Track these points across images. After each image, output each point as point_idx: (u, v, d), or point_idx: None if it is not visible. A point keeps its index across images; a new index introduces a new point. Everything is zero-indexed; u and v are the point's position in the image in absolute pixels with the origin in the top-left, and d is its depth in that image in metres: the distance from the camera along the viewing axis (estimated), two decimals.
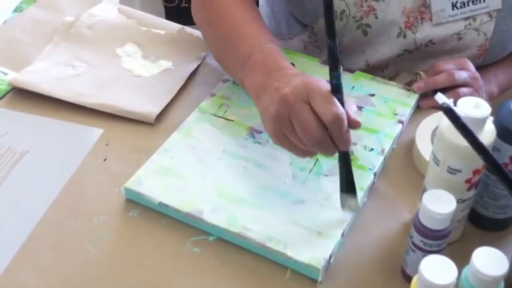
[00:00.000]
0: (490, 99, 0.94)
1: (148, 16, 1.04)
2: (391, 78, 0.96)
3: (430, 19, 0.89)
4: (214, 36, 0.87)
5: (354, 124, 0.66)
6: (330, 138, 0.66)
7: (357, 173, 0.76)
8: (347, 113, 0.65)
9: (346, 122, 0.64)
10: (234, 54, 0.80)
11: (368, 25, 0.90)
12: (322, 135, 0.65)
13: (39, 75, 0.90)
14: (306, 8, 0.93)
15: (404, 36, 0.90)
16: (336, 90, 0.65)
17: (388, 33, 0.91)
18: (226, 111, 0.84)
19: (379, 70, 0.96)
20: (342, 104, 0.65)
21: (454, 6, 0.88)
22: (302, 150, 0.69)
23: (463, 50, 0.92)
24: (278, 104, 0.67)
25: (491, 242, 0.57)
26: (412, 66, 0.95)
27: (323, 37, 0.92)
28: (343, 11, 0.89)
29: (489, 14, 0.89)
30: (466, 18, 0.89)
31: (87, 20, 1.00)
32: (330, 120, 0.64)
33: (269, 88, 0.70)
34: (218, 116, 0.84)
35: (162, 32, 0.99)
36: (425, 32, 0.90)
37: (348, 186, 0.71)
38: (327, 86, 0.66)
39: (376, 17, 0.89)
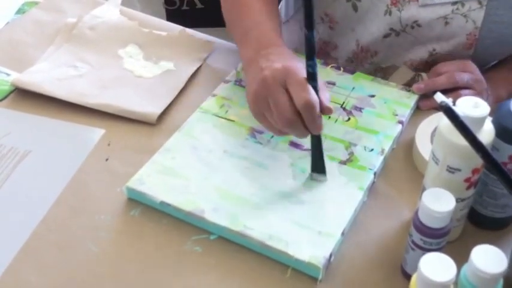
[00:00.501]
0: (498, 102, 0.93)
1: (150, 18, 1.05)
2: (388, 68, 0.96)
3: (417, 0, 0.89)
4: (228, 6, 0.94)
5: (325, 111, 0.71)
6: (302, 123, 0.70)
7: (357, 173, 0.77)
8: (320, 100, 0.70)
9: (317, 109, 0.69)
10: (239, 25, 0.87)
11: None
12: (294, 119, 0.70)
13: (41, 76, 0.91)
14: None
15: (390, 14, 0.90)
16: (311, 78, 0.70)
17: (376, 10, 0.91)
18: (227, 112, 0.85)
19: (368, 55, 0.96)
20: (316, 91, 0.70)
21: None
22: (277, 130, 0.73)
23: (451, 37, 0.91)
24: (258, 84, 0.72)
25: (491, 241, 0.57)
26: (401, 52, 0.95)
27: (315, 12, 0.94)
28: None
29: (479, 1, 0.88)
30: (454, 3, 0.88)
31: (89, 21, 1.01)
32: (302, 105, 0.68)
33: (255, 65, 0.75)
34: (219, 116, 0.84)
35: (164, 33, 1.00)
36: (411, 11, 0.89)
37: (318, 167, 0.76)
38: (304, 73, 0.71)
39: None
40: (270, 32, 0.82)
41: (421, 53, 0.93)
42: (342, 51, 0.99)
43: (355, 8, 0.92)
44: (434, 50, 0.92)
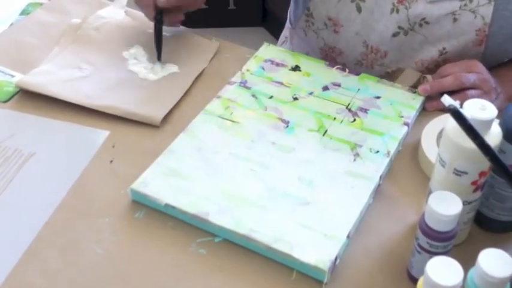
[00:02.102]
0: (511, 100, 0.92)
1: None
2: (394, 72, 0.96)
3: None
4: None
5: None
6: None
7: (362, 175, 0.76)
8: None
9: None
10: None
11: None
12: None
13: (45, 77, 0.90)
14: None
15: (397, 11, 0.90)
16: None
17: (382, 10, 0.91)
18: (232, 113, 0.85)
19: (378, 56, 0.96)
20: None
21: None
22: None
23: (460, 34, 0.90)
24: None
25: (497, 244, 0.57)
26: (411, 53, 0.94)
27: (318, 17, 0.97)
28: None
29: None
30: None
31: (94, 22, 1.01)
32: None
33: None
34: (224, 118, 0.84)
35: (167, 34, 1.00)
36: (419, 8, 0.89)
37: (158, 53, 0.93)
38: None
39: None
40: None
41: (431, 53, 0.93)
42: (349, 56, 0.99)
43: (359, 9, 0.92)
44: (444, 48, 0.92)
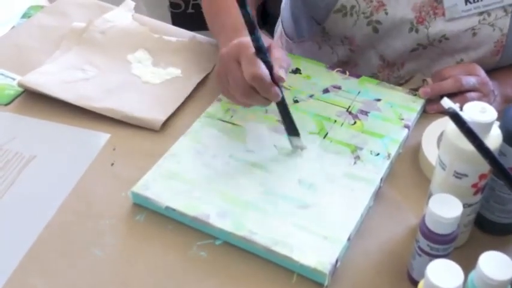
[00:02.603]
0: (507, 102, 0.93)
1: (162, 24, 1.05)
2: (407, 81, 0.96)
3: (443, 14, 0.89)
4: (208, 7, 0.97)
5: (278, 79, 0.74)
6: (258, 93, 0.75)
7: (363, 178, 0.76)
8: (274, 70, 0.74)
9: (266, 80, 0.73)
10: (218, 22, 0.91)
11: (378, 22, 0.91)
12: (248, 91, 0.74)
13: (48, 77, 0.91)
14: (317, 6, 0.94)
15: (417, 31, 0.90)
16: (259, 51, 0.73)
17: (399, 29, 0.91)
18: (232, 116, 0.85)
19: (395, 68, 0.96)
20: (267, 61, 0.74)
21: (467, 1, 0.88)
22: (240, 102, 0.79)
23: (478, 46, 0.91)
24: (219, 62, 0.79)
25: (498, 247, 0.57)
26: (429, 64, 0.95)
27: (334, 36, 0.96)
28: (353, 6, 0.90)
29: (504, 9, 0.88)
30: (480, 13, 0.88)
31: (101, 25, 1.01)
32: (250, 79, 0.73)
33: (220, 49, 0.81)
34: (225, 121, 0.84)
35: (174, 39, 1.00)
36: (438, 27, 0.90)
37: (291, 129, 0.79)
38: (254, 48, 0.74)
39: (386, 13, 0.90)
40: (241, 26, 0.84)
41: (449, 63, 0.94)
42: (364, 69, 0.99)
43: (375, 30, 0.92)
44: (462, 60, 0.93)
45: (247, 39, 0.74)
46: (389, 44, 0.93)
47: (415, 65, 0.96)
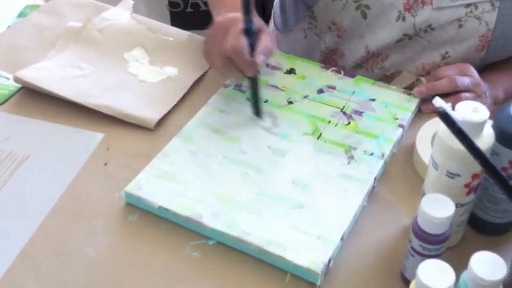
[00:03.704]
0: (496, 104, 0.94)
1: (159, 24, 1.04)
2: (392, 75, 0.96)
3: (431, 3, 0.89)
4: None
5: (264, 52, 0.79)
6: (234, 65, 0.80)
7: (357, 178, 0.76)
8: (259, 46, 0.78)
9: (244, 53, 0.77)
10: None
11: (367, 6, 0.90)
12: (226, 60, 0.80)
13: (44, 73, 0.90)
14: None
15: (404, 19, 0.90)
16: (246, 32, 0.78)
17: (387, 17, 0.91)
18: (226, 117, 0.85)
19: (379, 59, 0.96)
20: (253, 42, 0.78)
21: None
22: (217, 67, 0.84)
23: (464, 39, 0.91)
24: (212, 28, 0.84)
25: (491, 247, 0.57)
26: (413, 57, 0.94)
27: (322, 21, 0.96)
28: None
29: (491, 3, 0.88)
30: (468, 5, 0.89)
31: (99, 23, 1.01)
32: (228, 50, 0.78)
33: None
34: (219, 122, 0.84)
35: (171, 38, 1.00)
36: (425, 15, 0.89)
37: (255, 109, 0.84)
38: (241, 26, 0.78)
39: None
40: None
41: (433, 57, 0.93)
42: (349, 59, 0.99)
43: (364, 15, 0.92)
44: (447, 53, 0.93)
45: (239, 16, 0.79)
46: (377, 33, 0.93)
47: (399, 57, 0.95)
